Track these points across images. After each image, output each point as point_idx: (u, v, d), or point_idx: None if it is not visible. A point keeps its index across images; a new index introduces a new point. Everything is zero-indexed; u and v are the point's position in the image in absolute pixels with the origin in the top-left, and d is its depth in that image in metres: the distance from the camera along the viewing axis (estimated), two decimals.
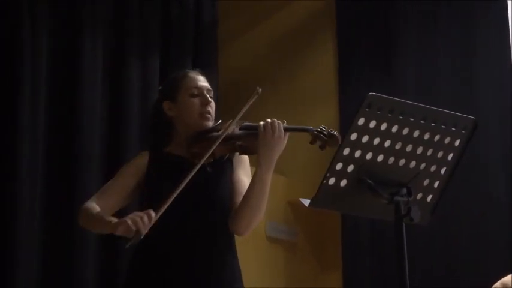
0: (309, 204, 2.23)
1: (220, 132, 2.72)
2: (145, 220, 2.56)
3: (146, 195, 2.77)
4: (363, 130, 2.17)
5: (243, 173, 2.86)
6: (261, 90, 2.63)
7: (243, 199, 2.74)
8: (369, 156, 2.20)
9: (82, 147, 3.76)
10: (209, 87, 2.86)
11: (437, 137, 2.26)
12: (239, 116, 2.68)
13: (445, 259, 4.20)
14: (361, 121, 2.16)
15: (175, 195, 2.60)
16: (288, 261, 4.47)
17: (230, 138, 2.70)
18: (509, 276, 3.25)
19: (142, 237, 2.56)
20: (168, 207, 2.61)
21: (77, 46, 3.81)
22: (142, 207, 2.69)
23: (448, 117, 2.26)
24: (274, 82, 4.62)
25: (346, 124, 4.54)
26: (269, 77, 4.64)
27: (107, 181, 3.77)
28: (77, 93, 3.79)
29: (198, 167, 2.64)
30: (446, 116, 2.26)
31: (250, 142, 2.69)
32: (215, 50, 4.50)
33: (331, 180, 2.19)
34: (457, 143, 2.29)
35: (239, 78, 4.55)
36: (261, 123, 2.69)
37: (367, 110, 2.15)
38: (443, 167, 2.31)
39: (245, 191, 2.76)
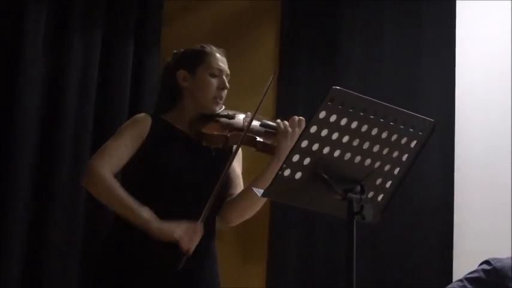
0: (262, 195, 2.18)
1: (235, 120, 2.74)
2: (196, 239, 2.54)
3: (149, 164, 2.65)
4: (323, 124, 2.12)
5: (239, 168, 2.86)
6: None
7: (246, 190, 2.74)
8: (326, 150, 2.16)
9: (19, 117, 3.63)
10: (228, 72, 2.81)
11: (394, 137, 2.24)
12: (260, 105, 2.68)
13: (375, 262, 4.19)
14: (322, 114, 2.11)
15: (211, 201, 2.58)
16: None
17: (251, 132, 2.68)
18: None
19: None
20: (169, 187, 2.60)
21: (19, 16, 3.67)
22: (139, 175, 2.62)
23: (408, 117, 2.24)
24: None
25: (281, 112, 4.50)
26: None
27: (39, 151, 3.71)
28: (18, 62, 3.66)
29: (231, 161, 2.66)
30: (406, 116, 2.23)
31: (270, 141, 2.69)
32: (159, 28, 4.40)
33: (287, 172, 2.14)
34: (413, 144, 2.27)
35: None
36: (278, 121, 2.72)
37: (329, 103, 2.11)
38: (397, 167, 2.30)
39: (241, 184, 2.80)
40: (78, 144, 3.87)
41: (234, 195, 2.81)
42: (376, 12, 4.49)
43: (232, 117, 2.77)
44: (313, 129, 2.12)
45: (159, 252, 2.59)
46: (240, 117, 2.79)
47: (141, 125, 2.70)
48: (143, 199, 2.63)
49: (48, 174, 3.76)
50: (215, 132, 2.71)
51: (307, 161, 2.15)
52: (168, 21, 4.54)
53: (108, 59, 4.07)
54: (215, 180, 2.61)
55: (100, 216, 3.80)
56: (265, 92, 2.68)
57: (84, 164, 3.79)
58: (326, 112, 2.12)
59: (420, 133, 2.27)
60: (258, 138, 2.71)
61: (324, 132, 2.14)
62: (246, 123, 2.70)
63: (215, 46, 2.91)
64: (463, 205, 4.11)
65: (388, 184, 2.31)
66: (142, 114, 2.76)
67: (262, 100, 2.69)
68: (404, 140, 2.26)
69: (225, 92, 2.80)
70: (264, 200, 2.73)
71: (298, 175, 2.16)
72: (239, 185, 2.85)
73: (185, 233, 2.54)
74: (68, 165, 3.81)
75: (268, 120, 2.80)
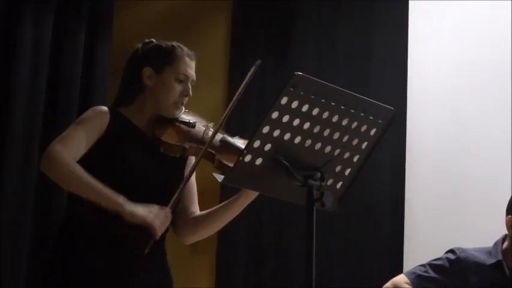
0: (223, 180, 2.17)
1: (196, 130, 2.67)
2: (165, 224, 2.52)
3: (104, 161, 2.57)
4: (285, 110, 2.12)
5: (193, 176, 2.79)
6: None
7: (210, 216, 2.74)
8: (287, 136, 2.16)
9: None
10: (194, 77, 2.73)
11: (354, 124, 2.24)
12: (223, 121, 2.60)
13: (325, 255, 4.15)
14: (284, 100, 2.11)
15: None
16: None
17: (211, 148, 2.58)
18: (400, 276, 3.27)
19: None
20: (123, 185, 2.51)
21: None
22: (93, 171, 2.50)
23: (369, 105, 2.24)
24: None
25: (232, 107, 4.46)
26: None
27: None
28: None
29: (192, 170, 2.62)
30: (367, 104, 2.24)
31: (229, 162, 2.54)
32: (111, 17, 4.35)
33: (248, 158, 2.14)
34: (372, 132, 2.28)
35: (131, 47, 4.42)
36: None
37: (291, 89, 2.10)
38: (356, 154, 2.30)
39: (195, 193, 2.77)
40: (28, 127, 3.84)
41: (196, 214, 2.76)
42: (330, 4, 4.50)
43: (193, 125, 2.69)
44: (275, 115, 2.12)
45: (123, 234, 2.54)
46: (201, 126, 2.71)
47: (100, 119, 2.62)
48: None
49: None
50: (173, 142, 2.63)
51: (268, 147, 2.14)
52: (119, 9, 4.48)
53: (60, 45, 4.02)
54: (169, 183, 2.60)
55: (51, 206, 3.79)
56: (231, 107, 2.60)
57: (34, 146, 3.74)
58: (288, 98, 2.11)
59: (380, 121, 2.28)
60: (217, 156, 2.60)
61: (285, 118, 2.13)
62: (208, 137, 2.62)
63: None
64: (414, 198, 4.15)
65: (347, 172, 2.31)
66: (101, 108, 2.66)
67: (225, 116, 2.59)
68: (364, 128, 2.26)
69: (186, 99, 2.73)
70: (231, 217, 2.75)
71: (258, 161, 2.15)
72: (194, 197, 2.80)
73: (156, 217, 2.50)
74: (18, 145, 3.77)
75: (231, 137, 2.69)
